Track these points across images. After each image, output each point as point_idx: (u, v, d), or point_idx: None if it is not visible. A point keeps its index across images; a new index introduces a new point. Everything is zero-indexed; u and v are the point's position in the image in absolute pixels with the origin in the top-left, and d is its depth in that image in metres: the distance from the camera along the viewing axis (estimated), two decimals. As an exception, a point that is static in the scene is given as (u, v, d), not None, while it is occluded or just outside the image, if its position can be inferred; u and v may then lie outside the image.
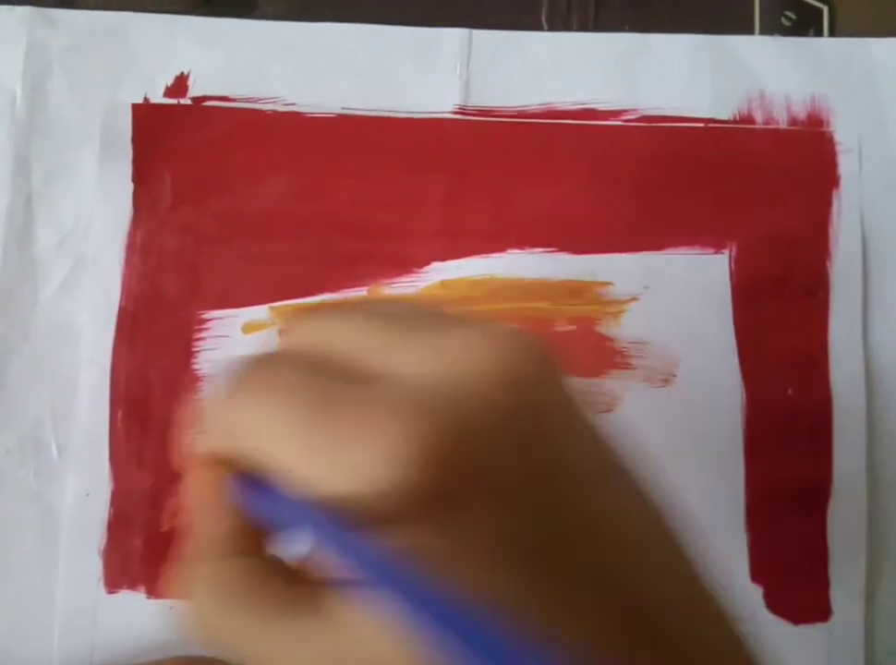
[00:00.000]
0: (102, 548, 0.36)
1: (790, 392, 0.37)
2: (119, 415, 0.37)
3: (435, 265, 0.38)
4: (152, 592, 0.36)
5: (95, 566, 0.36)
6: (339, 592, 0.18)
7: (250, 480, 0.21)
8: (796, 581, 0.36)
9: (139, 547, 0.37)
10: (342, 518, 0.18)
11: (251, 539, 0.21)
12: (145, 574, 0.36)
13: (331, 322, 0.21)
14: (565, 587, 0.18)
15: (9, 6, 0.39)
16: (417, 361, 0.19)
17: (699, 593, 0.21)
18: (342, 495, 0.18)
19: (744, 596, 0.36)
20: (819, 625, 0.36)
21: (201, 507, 0.21)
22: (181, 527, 0.36)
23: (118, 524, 0.37)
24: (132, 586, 0.36)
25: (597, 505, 0.19)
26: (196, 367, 0.38)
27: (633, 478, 0.21)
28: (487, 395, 0.19)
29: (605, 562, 0.19)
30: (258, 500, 0.21)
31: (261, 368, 0.20)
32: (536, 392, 0.19)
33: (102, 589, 0.36)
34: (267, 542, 0.21)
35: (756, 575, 0.36)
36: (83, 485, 0.37)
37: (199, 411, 0.21)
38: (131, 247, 0.38)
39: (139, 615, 0.36)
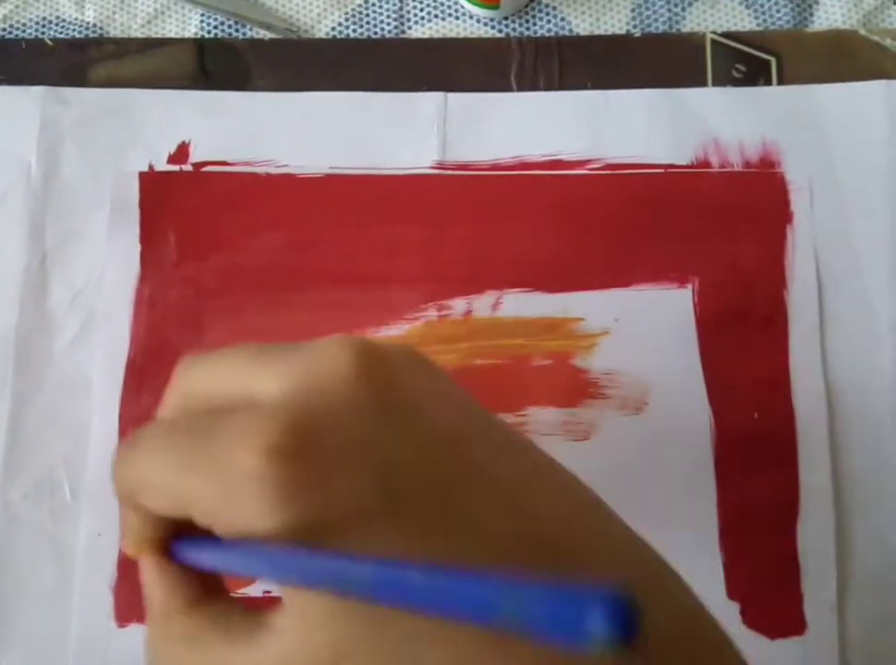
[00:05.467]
0: (112, 584, 0.39)
1: (755, 415, 0.39)
2: (128, 458, 0.40)
3: (419, 308, 0.41)
4: (160, 625, 0.38)
5: (107, 602, 0.38)
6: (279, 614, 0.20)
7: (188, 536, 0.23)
8: (771, 596, 0.38)
9: (148, 582, 0.39)
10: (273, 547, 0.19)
11: (200, 588, 0.23)
12: (153, 609, 0.38)
13: (189, 369, 0.23)
14: (476, 546, 0.19)
15: (25, 87, 0.43)
16: (268, 382, 0.20)
17: (613, 528, 0.22)
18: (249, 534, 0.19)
19: (721, 613, 0.37)
20: (795, 639, 0.37)
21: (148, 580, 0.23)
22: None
23: (128, 561, 0.39)
24: (141, 619, 0.38)
25: (486, 461, 0.21)
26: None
27: (516, 436, 0.22)
28: (335, 392, 0.20)
29: (512, 517, 0.20)
30: (197, 553, 0.22)
31: (144, 429, 0.22)
32: (382, 375, 0.20)
33: (113, 623, 0.38)
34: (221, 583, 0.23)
35: (732, 593, 0.38)
36: (95, 525, 0.39)
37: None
38: (139, 302, 0.41)
39: (148, 647, 0.38)
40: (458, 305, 0.41)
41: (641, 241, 0.41)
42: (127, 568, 0.39)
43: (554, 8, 0.45)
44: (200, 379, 0.22)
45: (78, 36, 0.45)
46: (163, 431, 0.22)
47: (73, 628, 0.38)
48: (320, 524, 0.19)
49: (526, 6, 0.45)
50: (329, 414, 0.19)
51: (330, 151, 0.43)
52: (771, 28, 0.44)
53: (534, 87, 0.43)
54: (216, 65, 0.44)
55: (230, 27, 0.45)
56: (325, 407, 0.19)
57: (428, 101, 0.43)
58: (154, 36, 0.45)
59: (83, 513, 0.39)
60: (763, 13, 0.44)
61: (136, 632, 0.38)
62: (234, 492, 0.19)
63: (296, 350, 0.21)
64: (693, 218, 0.41)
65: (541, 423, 0.39)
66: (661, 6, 0.44)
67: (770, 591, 0.38)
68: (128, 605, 0.38)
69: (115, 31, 0.45)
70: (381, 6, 0.45)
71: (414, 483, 0.19)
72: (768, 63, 0.43)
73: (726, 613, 0.37)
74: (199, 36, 0.45)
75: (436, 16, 0.45)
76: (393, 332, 0.41)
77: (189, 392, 0.23)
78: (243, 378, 0.21)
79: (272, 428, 0.19)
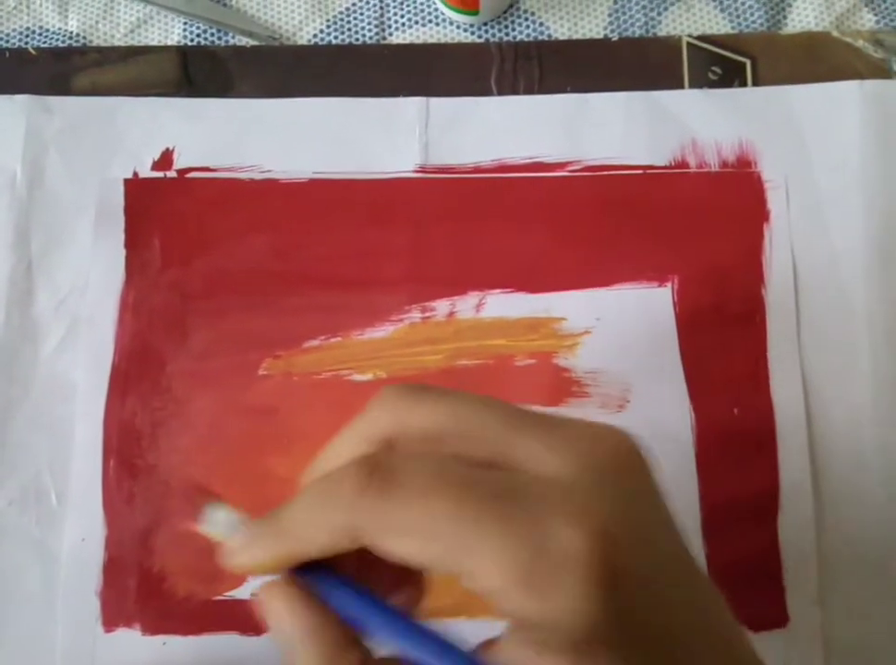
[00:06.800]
0: (98, 589, 0.39)
1: (735, 411, 0.39)
2: (111, 464, 0.40)
3: (402, 310, 0.41)
4: (147, 629, 0.38)
5: (93, 607, 0.38)
6: None
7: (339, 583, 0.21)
8: (753, 590, 0.38)
9: (133, 587, 0.39)
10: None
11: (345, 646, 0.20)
12: (140, 613, 0.38)
13: (455, 403, 0.21)
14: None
15: (9, 96, 0.44)
16: (551, 455, 0.20)
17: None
18: (534, 619, 0.18)
19: (705, 607, 0.38)
20: (778, 632, 0.37)
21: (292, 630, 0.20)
22: (171, 568, 0.39)
23: (113, 566, 0.39)
24: (128, 624, 0.38)
25: (711, 612, 0.22)
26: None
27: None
28: (631, 482, 0.20)
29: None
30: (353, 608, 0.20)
31: (404, 461, 0.20)
32: (650, 474, 0.21)
33: (99, 628, 0.38)
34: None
35: (715, 587, 0.38)
36: (79, 530, 0.39)
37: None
38: (124, 308, 0.42)
39: (135, 651, 0.38)
40: (442, 306, 0.41)
41: (621, 241, 0.42)
42: (111, 573, 0.39)
43: (533, 14, 0.45)
44: (431, 416, 0.21)
45: (61, 45, 0.46)
46: (430, 473, 0.19)
47: (60, 634, 0.38)
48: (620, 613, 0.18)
49: (505, 11, 0.45)
50: (632, 509, 0.20)
51: (313, 156, 0.43)
52: (746, 30, 0.45)
53: (514, 91, 0.44)
54: (199, 72, 0.45)
55: (212, 35, 0.46)
56: (629, 505, 0.20)
57: (409, 105, 0.44)
58: (137, 45, 0.46)
59: (68, 518, 0.39)
60: (737, 16, 0.45)
61: (122, 636, 0.38)
62: (546, 567, 0.18)
63: (568, 426, 0.21)
64: (671, 218, 0.42)
65: (525, 422, 0.40)
66: (637, 11, 0.45)
67: (753, 584, 0.38)
68: (114, 609, 0.38)
69: (98, 40, 0.46)
70: (362, 13, 0.46)
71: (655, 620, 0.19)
72: (743, 65, 0.44)
73: (710, 608, 0.38)
74: (181, 44, 0.46)
75: (416, 22, 0.45)
76: (377, 333, 0.41)
77: (410, 428, 0.21)
78: (501, 436, 0.20)
79: (600, 516, 0.18)
